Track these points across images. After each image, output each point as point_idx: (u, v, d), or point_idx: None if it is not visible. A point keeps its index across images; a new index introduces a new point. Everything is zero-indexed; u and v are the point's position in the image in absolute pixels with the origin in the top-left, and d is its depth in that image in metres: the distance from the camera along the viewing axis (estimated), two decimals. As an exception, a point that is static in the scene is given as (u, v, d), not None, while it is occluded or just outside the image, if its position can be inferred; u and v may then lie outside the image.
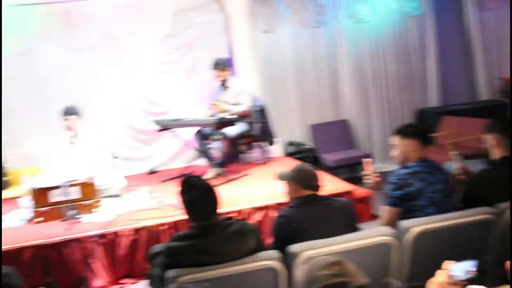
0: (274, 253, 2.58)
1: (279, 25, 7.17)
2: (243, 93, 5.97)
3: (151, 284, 3.12)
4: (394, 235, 2.75)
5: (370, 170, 3.27)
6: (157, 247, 2.88)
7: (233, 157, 5.96)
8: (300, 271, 1.63)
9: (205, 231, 2.51)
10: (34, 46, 6.48)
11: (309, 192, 2.92)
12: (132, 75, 6.76)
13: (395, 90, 7.65)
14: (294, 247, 2.60)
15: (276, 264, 2.54)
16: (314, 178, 2.94)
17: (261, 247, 2.59)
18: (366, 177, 3.27)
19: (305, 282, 1.57)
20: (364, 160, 3.37)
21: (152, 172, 6.61)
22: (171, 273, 2.40)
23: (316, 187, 2.95)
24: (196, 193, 2.54)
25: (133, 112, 6.84)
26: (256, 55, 6.86)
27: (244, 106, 5.90)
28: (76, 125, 5.35)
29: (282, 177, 3.09)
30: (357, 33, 7.43)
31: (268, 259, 2.54)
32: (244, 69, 6.71)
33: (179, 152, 6.85)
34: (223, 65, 5.93)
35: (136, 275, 4.37)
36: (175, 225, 4.38)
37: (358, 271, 1.56)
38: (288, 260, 2.60)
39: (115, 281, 4.31)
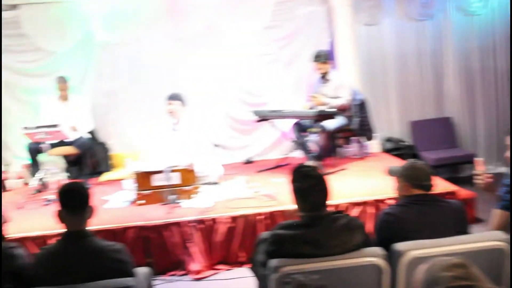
0: (379, 250, 2.51)
1: (383, 17, 6.98)
2: (343, 87, 5.88)
3: (252, 268, 3.13)
4: (508, 240, 2.57)
5: (482, 170, 3.08)
6: (264, 234, 2.88)
7: (330, 151, 5.87)
8: (418, 271, 1.54)
9: (314, 221, 2.47)
10: (141, 36, 6.75)
11: (419, 192, 2.77)
12: (232, 65, 6.86)
13: (505, 88, 7.18)
14: (400, 246, 2.51)
15: (380, 261, 2.47)
16: (426, 177, 2.78)
17: (367, 244, 2.52)
18: (477, 177, 3.08)
19: (424, 282, 1.49)
20: (476, 159, 3.18)
21: (248, 162, 6.69)
22: (274, 262, 2.40)
23: (428, 187, 2.78)
24: (309, 182, 2.50)
25: (232, 102, 6.96)
26: (357, 48, 6.72)
27: (343, 99, 5.81)
28: (179, 111, 5.50)
29: (391, 172, 2.96)
30: (466, 27, 7.06)
31: (373, 256, 2.47)
32: (344, 62, 6.61)
33: (276, 143, 6.89)
34: (324, 57, 5.85)
35: (231, 262, 4.43)
36: (271, 215, 4.39)
37: (483, 276, 1.46)
38: (392, 258, 2.52)
39: (211, 267, 4.38)
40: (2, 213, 2.70)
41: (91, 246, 2.44)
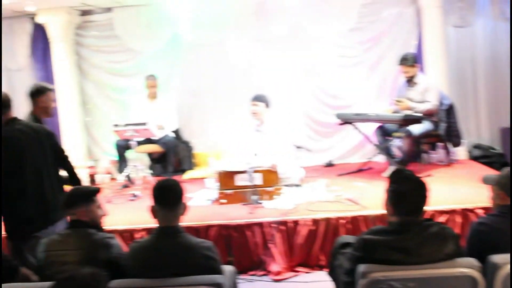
0: (474, 261, 2.40)
1: (475, 19, 6.69)
2: (430, 91, 5.68)
3: (331, 274, 3.09)
4: None
5: None
6: (346, 238, 2.82)
7: (415, 156, 5.70)
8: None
9: (405, 228, 2.40)
10: (226, 37, 6.87)
11: None
12: (315, 67, 6.84)
13: None
14: (497, 258, 2.38)
15: (475, 273, 2.35)
16: None
17: (459, 255, 2.41)
18: None
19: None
20: None
21: (329, 165, 6.64)
22: (362, 267, 2.36)
23: None
24: (409, 186, 2.43)
25: (315, 104, 6.93)
26: (445, 50, 6.49)
27: (430, 104, 5.62)
28: (263, 113, 5.52)
29: (486, 180, 2.83)
30: None
31: (467, 267, 2.36)
32: (432, 65, 6.40)
33: (358, 147, 6.79)
34: (412, 60, 5.68)
35: (311, 265, 4.39)
36: (353, 220, 4.33)
37: None
38: (487, 270, 2.40)
39: (291, 268, 4.36)
40: (101, 206, 2.84)
41: (183, 242, 2.50)
